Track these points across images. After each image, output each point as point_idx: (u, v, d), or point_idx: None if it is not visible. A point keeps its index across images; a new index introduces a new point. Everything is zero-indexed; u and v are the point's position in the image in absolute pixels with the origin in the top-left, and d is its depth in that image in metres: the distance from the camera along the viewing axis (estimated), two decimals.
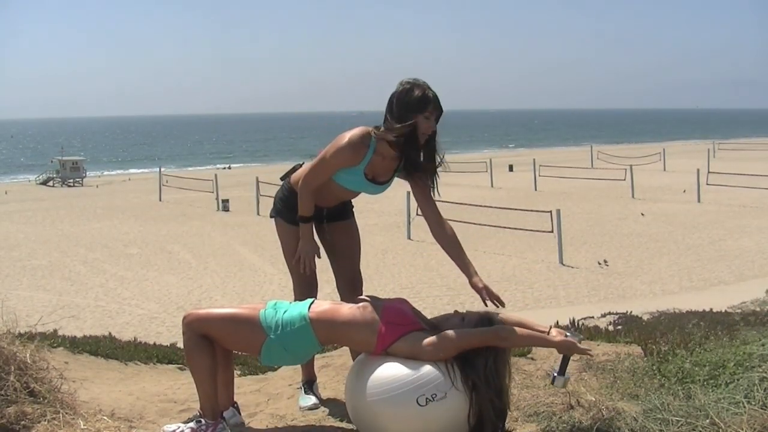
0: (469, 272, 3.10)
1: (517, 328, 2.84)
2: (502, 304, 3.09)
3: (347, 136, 3.11)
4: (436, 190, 3.22)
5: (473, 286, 3.09)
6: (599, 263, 17.65)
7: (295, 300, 3.23)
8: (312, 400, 3.45)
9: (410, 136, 3.04)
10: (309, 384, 3.54)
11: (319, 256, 3.36)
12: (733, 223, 22.76)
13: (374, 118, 3.29)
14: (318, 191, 3.26)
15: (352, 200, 3.54)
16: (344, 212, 3.49)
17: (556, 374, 2.94)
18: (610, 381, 3.49)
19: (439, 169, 3.19)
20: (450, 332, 2.79)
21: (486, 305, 3.07)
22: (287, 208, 3.37)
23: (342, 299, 3.31)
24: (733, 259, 17.74)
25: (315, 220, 3.39)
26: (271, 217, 3.50)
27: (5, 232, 24.19)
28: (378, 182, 3.23)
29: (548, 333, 2.87)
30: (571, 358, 2.95)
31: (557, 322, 5.90)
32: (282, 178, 3.47)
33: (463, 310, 2.92)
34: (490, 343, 2.78)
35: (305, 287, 3.38)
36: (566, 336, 2.86)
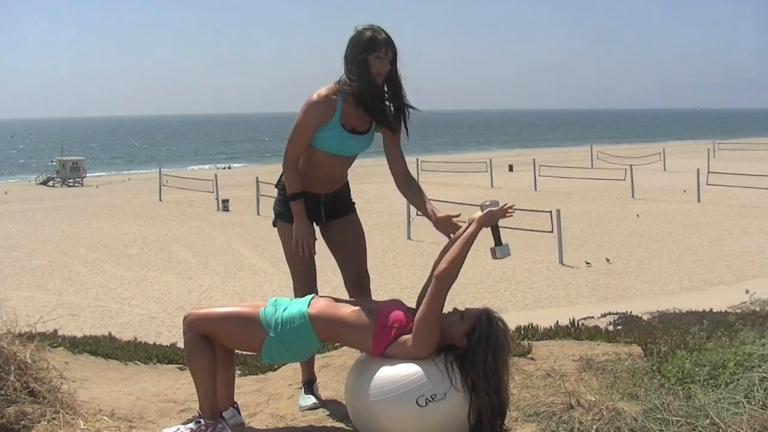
0: (431, 212, 3.20)
1: (447, 255, 2.84)
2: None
3: (314, 93, 3.22)
4: (407, 134, 3.32)
5: (439, 219, 3.17)
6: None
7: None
8: (312, 400, 3.44)
9: (366, 81, 3.12)
10: (309, 384, 3.53)
11: (315, 238, 3.37)
12: (733, 223, 22.78)
13: None
14: (305, 170, 3.28)
15: (352, 198, 3.53)
16: (344, 207, 3.49)
17: (494, 247, 2.98)
18: (610, 381, 3.49)
19: (408, 116, 3.29)
20: (416, 319, 2.79)
21: (450, 237, 3.06)
22: (286, 207, 3.37)
23: (350, 297, 3.33)
24: (733, 259, 17.75)
25: (314, 219, 3.39)
26: (273, 225, 3.50)
27: (5, 232, 24.21)
28: (359, 132, 3.28)
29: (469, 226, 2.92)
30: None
31: (557, 323, 5.88)
32: (277, 185, 3.47)
33: (462, 308, 2.91)
34: (444, 293, 2.78)
35: (306, 286, 3.38)
36: (482, 210, 2.91)
